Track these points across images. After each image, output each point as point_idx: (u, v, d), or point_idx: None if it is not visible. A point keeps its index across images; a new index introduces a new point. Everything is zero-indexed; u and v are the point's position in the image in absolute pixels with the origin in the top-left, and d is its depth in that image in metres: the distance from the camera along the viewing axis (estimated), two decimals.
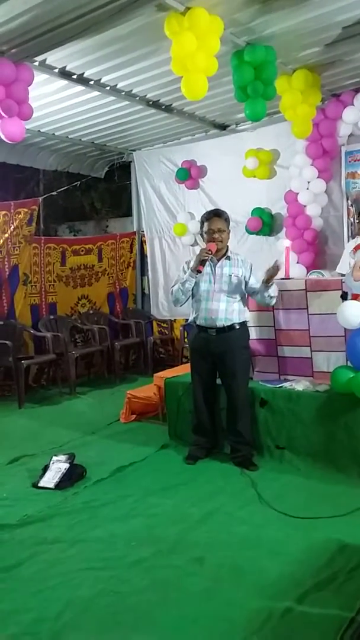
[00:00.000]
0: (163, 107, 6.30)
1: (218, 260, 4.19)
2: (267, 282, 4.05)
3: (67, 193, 9.80)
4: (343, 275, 4.45)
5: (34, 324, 7.15)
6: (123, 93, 5.81)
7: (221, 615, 2.41)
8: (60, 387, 6.86)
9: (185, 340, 7.18)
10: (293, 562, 2.80)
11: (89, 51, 4.73)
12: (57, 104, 5.99)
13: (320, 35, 4.63)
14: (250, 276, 4.19)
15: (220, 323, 4.11)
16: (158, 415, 5.34)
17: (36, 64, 4.85)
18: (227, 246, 4.26)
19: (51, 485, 3.87)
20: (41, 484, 3.91)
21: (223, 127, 7.20)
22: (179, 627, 2.34)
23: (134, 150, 8.24)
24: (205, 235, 4.22)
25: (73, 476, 3.97)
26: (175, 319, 8.05)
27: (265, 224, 6.73)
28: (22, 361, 6.36)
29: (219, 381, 4.33)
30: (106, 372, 7.52)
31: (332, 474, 3.87)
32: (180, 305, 4.39)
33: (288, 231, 6.37)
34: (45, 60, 4.88)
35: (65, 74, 5.20)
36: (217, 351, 4.16)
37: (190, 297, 4.27)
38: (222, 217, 4.21)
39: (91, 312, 7.97)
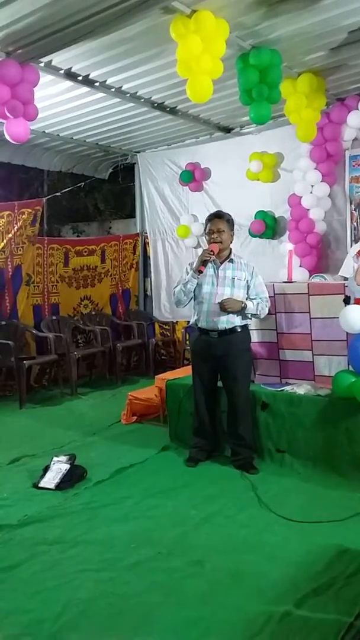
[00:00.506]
0: (168, 109, 6.31)
1: (221, 263, 4.19)
2: (235, 311, 4.08)
3: (71, 194, 9.84)
4: (346, 278, 4.45)
5: (37, 324, 7.16)
6: (128, 95, 5.82)
7: (220, 618, 2.41)
8: (62, 388, 6.86)
9: (187, 342, 7.18)
10: (292, 566, 2.80)
11: (95, 53, 4.74)
12: (62, 105, 6.01)
13: (325, 40, 4.64)
14: (251, 280, 4.19)
15: (221, 326, 4.11)
16: (159, 417, 5.34)
17: (42, 65, 4.86)
18: (231, 249, 4.27)
19: (51, 486, 3.87)
20: (41, 484, 3.92)
21: (227, 130, 7.21)
22: (177, 630, 2.34)
23: (138, 152, 8.25)
24: (207, 237, 4.25)
25: (73, 477, 3.97)
26: (177, 321, 8.06)
27: (269, 227, 6.73)
28: (24, 361, 6.36)
29: (220, 384, 4.33)
30: (108, 374, 7.53)
31: (332, 478, 3.87)
32: (183, 307, 4.39)
33: (291, 234, 6.37)
34: (51, 61, 4.89)
35: (70, 75, 5.21)
36: (218, 354, 4.16)
37: (193, 299, 4.27)
38: (224, 218, 4.22)
39: (93, 313, 7.98)
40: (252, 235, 6.82)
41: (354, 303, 3.88)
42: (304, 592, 2.54)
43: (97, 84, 5.47)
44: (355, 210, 6.21)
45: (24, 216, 6.93)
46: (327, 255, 6.41)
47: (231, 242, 4.27)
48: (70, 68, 5.10)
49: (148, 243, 8.46)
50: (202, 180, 7.53)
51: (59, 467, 4.01)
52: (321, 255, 6.35)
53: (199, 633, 2.32)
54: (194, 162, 7.54)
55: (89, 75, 5.28)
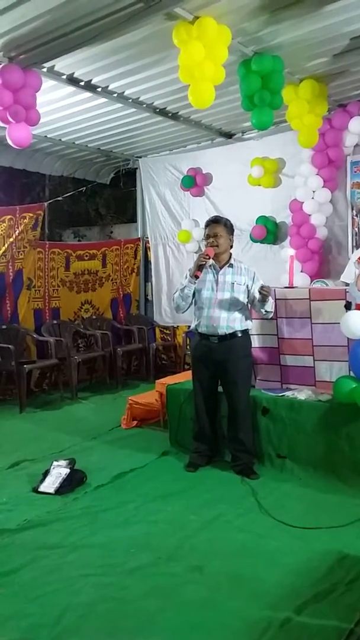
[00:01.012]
0: (170, 114, 6.33)
1: (221, 268, 4.20)
2: (263, 300, 4.07)
3: (73, 198, 9.85)
4: (347, 284, 4.46)
5: (37, 328, 7.16)
6: (130, 100, 5.84)
7: (220, 623, 2.40)
8: (62, 392, 6.86)
9: (188, 347, 7.17)
10: (292, 572, 2.80)
11: (97, 58, 4.76)
12: (64, 110, 6.02)
13: (327, 46, 4.65)
14: (253, 285, 4.19)
15: (222, 331, 4.11)
16: (159, 421, 5.33)
17: (44, 70, 4.88)
18: (231, 254, 4.27)
19: (51, 490, 3.87)
20: (41, 488, 3.91)
21: (229, 136, 7.22)
22: (177, 635, 2.33)
23: (139, 157, 8.27)
24: (204, 242, 4.26)
25: (73, 481, 3.97)
26: (178, 326, 8.06)
27: (270, 232, 6.74)
28: (24, 365, 6.36)
29: (220, 389, 4.33)
30: (108, 378, 7.52)
31: (333, 484, 3.86)
32: (183, 312, 4.39)
33: (292, 240, 6.37)
34: (53, 66, 4.90)
35: (73, 80, 5.22)
36: (218, 359, 4.16)
37: (193, 304, 4.27)
38: (220, 223, 4.23)
39: (94, 317, 7.98)
40: (254, 240, 6.82)
41: (355, 308, 3.88)
42: (304, 598, 2.53)
43: (99, 89, 5.48)
44: (356, 215, 6.22)
45: (25, 220, 6.94)
46: (328, 261, 6.41)
47: (231, 247, 4.28)
48: (73, 73, 5.11)
49: (149, 248, 8.47)
50: (203, 185, 7.54)
51: (58, 471, 4.01)
52: (322, 260, 6.36)
53: (198, 638, 2.32)
54: (196, 168, 7.56)
55: (91, 80, 5.30)
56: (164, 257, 8.23)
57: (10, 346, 6.36)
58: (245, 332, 4.23)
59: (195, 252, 7.64)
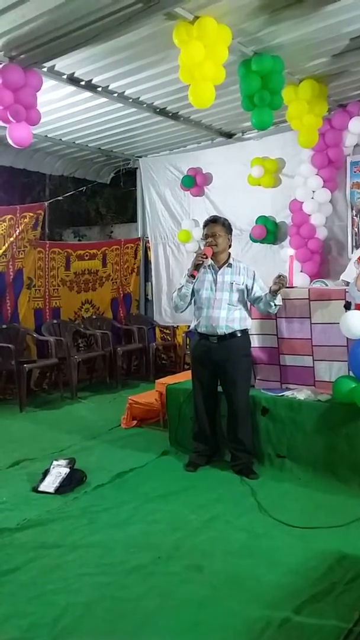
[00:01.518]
0: (170, 114, 6.33)
1: (219, 268, 4.20)
2: (276, 292, 4.05)
3: (73, 198, 9.85)
4: (348, 283, 4.46)
5: (37, 328, 7.17)
6: (130, 100, 5.84)
7: (219, 623, 2.41)
8: (62, 392, 6.87)
9: (188, 347, 7.18)
10: (291, 572, 2.80)
11: (98, 58, 4.76)
12: (64, 109, 6.02)
13: (327, 46, 4.66)
14: (253, 284, 4.20)
15: (221, 331, 4.12)
16: (159, 421, 5.34)
17: (45, 69, 4.88)
18: (229, 253, 4.28)
19: (51, 490, 3.87)
20: (41, 488, 3.92)
21: (229, 136, 7.23)
22: (176, 634, 2.34)
23: (140, 157, 8.27)
24: (203, 241, 4.27)
25: (73, 481, 3.97)
26: (177, 326, 8.06)
27: (270, 232, 6.74)
28: (24, 365, 6.37)
29: (220, 389, 4.33)
30: (108, 378, 7.52)
31: (332, 483, 3.87)
32: (182, 312, 4.40)
33: (292, 240, 6.38)
34: (54, 66, 4.91)
35: (73, 80, 5.23)
36: (218, 359, 4.16)
37: (192, 304, 4.28)
38: (219, 222, 4.24)
39: (94, 317, 7.99)
40: (253, 240, 6.83)
41: (355, 308, 3.88)
42: (303, 598, 2.54)
43: (99, 89, 5.49)
44: (356, 216, 6.22)
45: (25, 220, 6.95)
46: (328, 261, 6.42)
47: (229, 247, 4.28)
48: (73, 73, 5.12)
49: (149, 247, 8.47)
50: (203, 185, 7.55)
51: (58, 471, 4.01)
52: (322, 260, 6.36)
53: (198, 638, 2.32)
54: (196, 167, 7.56)
55: (91, 80, 5.30)
56: (164, 257, 8.24)
57: (10, 345, 6.36)
58: (245, 332, 4.24)
59: (195, 252, 7.62)
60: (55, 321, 7.41)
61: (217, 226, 4.20)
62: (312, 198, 6.23)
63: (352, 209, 6.25)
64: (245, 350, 4.25)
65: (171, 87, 5.41)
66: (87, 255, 8.00)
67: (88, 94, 5.52)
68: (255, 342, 4.52)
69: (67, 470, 4.01)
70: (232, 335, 4.14)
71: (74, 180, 9.13)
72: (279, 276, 4.03)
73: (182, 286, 4.16)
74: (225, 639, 2.30)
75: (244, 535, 3.23)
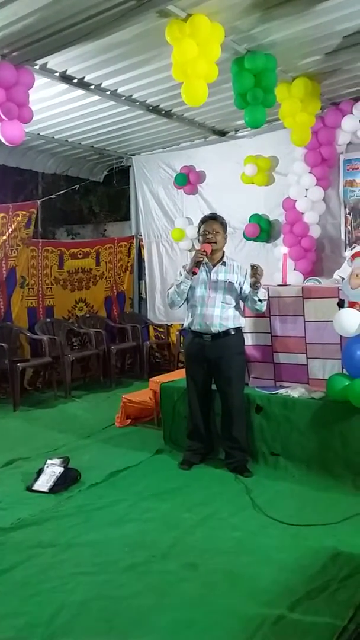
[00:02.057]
0: (163, 112, 6.32)
1: (214, 266, 4.20)
2: (255, 284, 4.03)
3: (66, 196, 9.82)
4: (343, 278, 4.45)
5: (31, 326, 7.14)
6: (123, 98, 5.82)
7: (214, 620, 2.41)
8: (56, 391, 6.85)
9: (182, 345, 7.18)
10: (286, 569, 2.81)
11: (90, 56, 4.74)
12: (57, 107, 6.00)
13: (320, 44, 4.66)
14: (244, 282, 4.20)
15: (215, 329, 4.12)
16: (153, 419, 5.33)
17: (37, 67, 4.86)
18: (224, 252, 4.28)
19: (45, 489, 3.86)
20: (35, 487, 3.91)
21: (222, 134, 7.23)
22: (172, 632, 2.34)
23: (133, 155, 8.26)
24: (200, 238, 4.26)
25: (67, 480, 3.97)
26: (171, 324, 8.06)
27: (263, 230, 6.75)
28: (18, 364, 6.35)
29: (214, 387, 4.33)
30: (102, 376, 7.51)
31: (326, 481, 3.88)
32: (177, 308, 4.40)
33: (285, 238, 6.39)
34: (46, 64, 4.89)
35: (65, 78, 5.21)
36: (212, 357, 4.17)
37: (186, 302, 4.27)
38: (218, 220, 4.24)
39: (88, 315, 7.97)
40: (247, 238, 6.83)
41: (348, 306, 3.89)
42: (297, 595, 2.55)
43: (92, 86, 5.47)
44: (349, 213, 6.24)
45: (18, 218, 6.92)
46: (321, 259, 6.43)
47: (225, 245, 4.28)
48: (66, 71, 5.10)
49: (143, 246, 8.46)
50: (196, 183, 7.54)
51: (52, 470, 4.01)
52: (315, 258, 6.37)
53: (193, 636, 2.32)
54: (189, 165, 7.56)
55: (84, 78, 5.28)
56: (157, 255, 8.22)
57: (3, 344, 6.34)
58: (239, 330, 4.24)
59: (189, 250, 7.65)
60: (48, 320, 7.39)
61: (216, 223, 4.20)
62: (306, 196, 6.24)
63: (345, 207, 6.27)
64: (239, 348, 4.26)
65: (164, 84, 5.40)
66: (80, 254, 7.98)
67: (81, 91, 5.51)
68: (249, 340, 4.52)
69: (61, 469, 4.01)
70: (226, 333, 4.14)
71: (67, 179, 9.11)
72: (252, 267, 4.01)
73: (181, 283, 4.15)
74: (220, 636, 2.31)
75: (238, 533, 3.23)
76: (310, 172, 6.18)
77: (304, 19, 4.18)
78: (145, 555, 2.99)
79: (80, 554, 3.04)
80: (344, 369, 4.03)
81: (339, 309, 3.92)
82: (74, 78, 5.26)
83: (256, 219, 6.78)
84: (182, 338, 7.13)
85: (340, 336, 4.02)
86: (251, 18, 4.14)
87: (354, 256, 4.28)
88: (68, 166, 8.42)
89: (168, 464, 4.41)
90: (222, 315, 4.12)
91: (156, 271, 8.25)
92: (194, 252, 4.17)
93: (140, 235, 8.50)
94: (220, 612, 2.47)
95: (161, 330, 8.30)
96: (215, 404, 4.39)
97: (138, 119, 6.52)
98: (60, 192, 9.06)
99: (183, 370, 4.68)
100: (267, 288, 4.46)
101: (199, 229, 4.30)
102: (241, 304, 4.27)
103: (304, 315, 4.35)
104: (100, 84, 5.45)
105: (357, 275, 3.85)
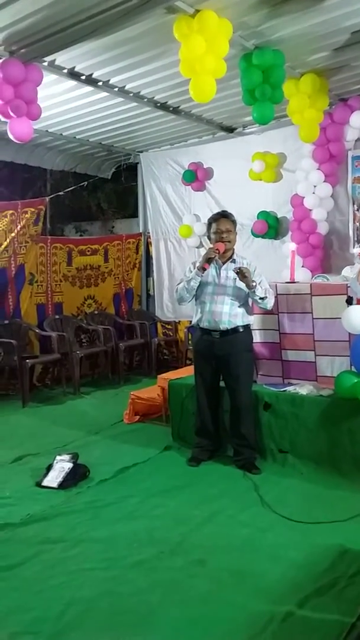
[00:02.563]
0: (171, 109, 6.31)
1: (223, 263, 4.20)
2: (248, 286, 4.04)
3: (74, 193, 9.81)
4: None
5: (40, 323, 7.17)
6: (131, 94, 5.82)
7: (222, 617, 2.42)
8: (64, 387, 6.87)
9: (190, 342, 7.18)
10: (294, 567, 2.81)
11: (98, 52, 4.75)
12: (65, 104, 6.01)
13: (328, 40, 4.64)
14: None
15: (223, 326, 4.12)
16: (161, 416, 5.34)
17: (45, 64, 4.87)
18: (234, 249, 4.27)
19: (54, 485, 3.88)
20: (44, 483, 3.93)
21: (230, 130, 7.21)
22: (179, 628, 2.35)
23: (141, 152, 8.26)
24: (213, 236, 4.24)
25: (76, 476, 3.98)
26: (179, 321, 8.07)
27: (271, 227, 6.73)
28: (27, 360, 6.37)
29: (222, 384, 4.33)
30: (110, 373, 7.53)
31: (334, 478, 3.87)
32: (186, 304, 4.43)
33: (293, 235, 6.37)
34: (54, 60, 4.90)
35: (74, 74, 5.21)
36: (220, 354, 4.17)
37: (195, 299, 4.28)
38: (230, 218, 4.23)
39: (96, 312, 7.98)
40: (255, 235, 6.82)
41: (357, 303, 3.88)
42: (306, 593, 2.54)
43: (100, 83, 5.47)
44: (357, 210, 6.22)
45: (27, 215, 6.94)
46: (329, 256, 6.41)
47: (235, 243, 4.28)
48: (74, 67, 5.10)
49: (151, 243, 8.46)
50: (204, 180, 7.53)
51: (61, 465, 4.02)
52: (324, 255, 6.35)
53: (201, 632, 2.33)
54: (197, 162, 7.55)
55: (92, 74, 5.28)
56: (165, 252, 8.23)
57: (12, 341, 6.37)
58: (247, 327, 4.24)
59: (197, 247, 7.64)
60: (57, 317, 7.42)
61: (228, 222, 4.20)
62: (314, 193, 6.22)
63: (353, 204, 6.25)
64: (247, 345, 4.26)
65: (172, 81, 5.39)
66: (89, 251, 8.00)
67: (89, 88, 5.51)
68: (257, 337, 4.51)
69: (70, 465, 4.02)
70: (235, 330, 4.14)
71: (75, 176, 9.11)
72: (236, 271, 4.00)
73: (191, 279, 4.15)
74: (229, 633, 2.31)
75: (246, 530, 3.23)
76: (318, 169, 6.15)
77: (312, 15, 4.16)
78: (154, 551, 3.00)
79: (89, 549, 3.05)
80: (352, 366, 4.02)
81: (348, 306, 3.92)
82: (82, 75, 5.27)
83: (264, 215, 6.76)
84: (190, 335, 7.13)
85: (349, 333, 4.00)
86: (259, 14, 4.13)
87: None
88: (76, 163, 8.44)
89: (176, 460, 4.42)
90: (231, 312, 4.12)
91: (164, 268, 8.26)
92: (203, 251, 4.16)
93: (148, 232, 8.50)
94: (228, 609, 2.47)
95: (169, 327, 8.31)
96: (224, 401, 4.39)
97: (146, 115, 6.52)
98: (69, 189, 9.05)
99: (191, 367, 4.69)
100: (275, 285, 4.46)
101: (209, 226, 4.29)
102: (250, 300, 4.27)
103: (312, 313, 4.34)
104: (109, 80, 5.46)
105: None
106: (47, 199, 7.81)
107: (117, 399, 6.46)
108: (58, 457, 4.12)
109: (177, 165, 7.83)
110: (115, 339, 7.52)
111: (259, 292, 4.08)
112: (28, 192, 10.13)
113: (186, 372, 5.13)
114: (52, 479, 3.93)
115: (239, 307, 4.16)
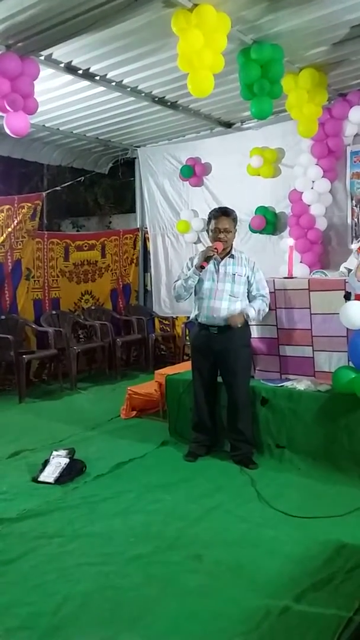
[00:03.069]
0: (168, 103, 6.29)
1: (222, 259, 4.19)
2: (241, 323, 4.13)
3: (71, 188, 9.81)
4: (350, 269, 4.44)
5: (37, 318, 7.16)
6: (129, 89, 5.80)
7: (219, 612, 2.42)
8: (61, 383, 6.86)
9: (187, 337, 7.17)
10: (291, 561, 2.81)
11: (95, 46, 4.72)
12: (62, 98, 5.98)
13: (327, 35, 4.62)
14: (252, 276, 4.20)
15: (222, 322, 4.11)
16: (158, 412, 5.34)
17: (42, 58, 4.84)
18: (232, 244, 4.26)
19: (51, 480, 3.88)
20: (41, 478, 3.92)
21: (228, 125, 7.19)
22: (176, 623, 2.35)
23: (138, 147, 8.23)
24: (211, 233, 4.22)
25: (73, 471, 3.98)
26: (177, 316, 8.06)
27: (269, 222, 6.72)
28: (24, 356, 6.36)
29: (220, 379, 4.33)
30: (107, 368, 7.52)
31: (331, 474, 3.87)
32: (183, 301, 4.40)
33: (292, 230, 6.36)
34: (51, 54, 4.87)
35: (71, 68, 5.18)
36: (218, 349, 4.16)
37: (193, 295, 4.27)
38: (230, 216, 4.20)
39: (94, 308, 7.97)
40: (253, 230, 6.80)
41: (355, 299, 3.87)
42: (303, 587, 2.55)
43: (97, 77, 5.44)
44: (356, 206, 6.20)
45: (23, 210, 6.91)
46: (327, 251, 6.40)
47: (234, 239, 4.27)
48: (71, 61, 5.08)
49: (148, 238, 8.44)
50: (202, 175, 7.51)
51: (58, 461, 4.02)
52: (322, 251, 6.34)
53: (198, 627, 2.33)
54: (195, 157, 7.52)
55: (89, 68, 5.26)
56: (162, 248, 8.20)
57: (9, 336, 6.35)
58: (245, 323, 4.23)
59: (195, 243, 7.63)
60: (54, 312, 7.40)
61: (227, 220, 4.17)
62: (312, 188, 6.21)
63: (352, 199, 6.23)
64: (245, 341, 4.25)
65: (170, 75, 5.36)
66: (86, 246, 7.98)
67: (86, 82, 5.48)
68: (255, 332, 4.51)
69: (66, 460, 4.02)
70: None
71: (72, 171, 9.09)
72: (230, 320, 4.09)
73: (189, 277, 4.14)
74: (225, 627, 2.31)
75: (243, 525, 3.23)
76: (316, 164, 6.14)
77: (311, 9, 4.14)
78: (151, 546, 3.00)
79: (86, 544, 3.05)
80: (350, 362, 4.01)
81: (346, 302, 3.91)
82: (79, 69, 5.24)
83: (262, 211, 6.75)
84: (187, 330, 7.13)
85: (347, 329, 4.00)
86: (258, 8, 4.10)
87: None
88: (73, 158, 8.40)
89: (173, 455, 4.42)
90: (229, 308, 4.11)
91: (161, 263, 8.24)
92: (200, 247, 4.15)
93: (146, 228, 8.47)
94: (225, 603, 2.47)
95: (166, 322, 8.30)
96: (221, 396, 4.39)
97: (143, 110, 6.49)
98: (66, 184, 9.04)
99: (188, 363, 4.69)
100: (273, 281, 4.46)
101: (209, 223, 4.27)
102: (248, 296, 4.26)
103: (310, 308, 4.34)
104: (106, 74, 5.43)
105: None
106: (44, 194, 7.80)
107: (114, 394, 6.45)
108: (55, 453, 4.12)
109: (175, 160, 7.80)
110: (112, 335, 7.50)
111: (253, 317, 4.17)
112: (25, 187, 10.12)
113: (183, 368, 5.12)
114: (49, 474, 3.93)
115: (238, 302, 4.15)
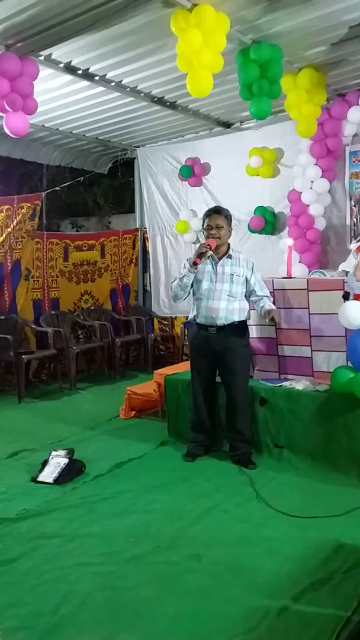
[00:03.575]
0: (168, 103, 6.29)
1: (219, 259, 4.19)
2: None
3: (70, 188, 9.81)
4: (347, 272, 4.45)
5: (36, 319, 7.16)
6: (128, 89, 5.80)
7: (218, 611, 2.42)
8: (61, 383, 6.87)
9: (186, 337, 7.18)
10: (290, 561, 2.81)
11: (95, 46, 4.72)
12: (61, 99, 5.98)
13: (326, 35, 4.62)
14: (251, 276, 4.20)
15: (220, 322, 4.11)
16: (157, 412, 5.34)
17: (41, 58, 4.84)
18: (229, 244, 4.27)
19: (50, 480, 3.88)
20: (40, 478, 3.92)
21: (227, 125, 7.19)
22: (175, 623, 2.35)
23: (137, 147, 8.23)
24: (205, 232, 4.24)
25: (72, 471, 3.98)
26: (176, 316, 8.06)
27: (268, 222, 6.72)
28: (23, 356, 6.36)
29: (218, 379, 4.33)
30: (106, 368, 7.52)
31: (330, 473, 3.88)
32: (181, 301, 4.40)
33: (291, 230, 6.36)
34: (50, 54, 4.87)
35: (70, 69, 5.18)
36: (217, 349, 4.16)
37: (191, 295, 4.27)
38: (222, 214, 4.21)
39: (93, 308, 7.97)
40: (252, 230, 6.81)
41: (353, 299, 3.88)
42: (301, 587, 2.55)
43: (96, 77, 5.44)
44: (355, 206, 6.20)
45: (23, 210, 6.91)
46: (326, 251, 6.40)
47: (229, 238, 4.27)
48: (70, 62, 5.08)
49: (147, 238, 8.44)
50: (201, 175, 7.51)
51: (57, 461, 4.02)
52: (321, 251, 6.34)
53: (196, 626, 2.33)
54: (194, 157, 7.52)
55: (88, 69, 5.26)
56: (162, 248, 8.20)
57: (8, 336, 6.35)
58: (244, 323, 4.23)
59: (194, 243, 7.63)
60: (53, 312, 7.40)
61: (220, 218, 4.18)
62: (311, 188, 6.21)
63: (350, 199, 6.23)
64: (244, 341, 4.25)
65: (169, 75, 5.36)
66: (85, 246, 7.98)
67: (85, 82, 5.48)
68: (253, 332, 4.51)
69: (66, 460, 4.02)
70: (231, 325, 4.13)
71: (72, 171, 9.08)
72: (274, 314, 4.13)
73: (184, 276, 4.14)
74: (224, 627, 2.31)
75: (242, 525, 3.24)
76: (315, 164, 6.14)
77: (310, 9, 4.15)
78: (150, 546, 3.00)
79: (85, 544, 3.05)
80: (348, 362, 4.02)
81: (344, 302, 3.92)
82: (79, 69, 5.24)
83: (261, 211, 6.75)
84: (186, 331, 7.13)
85: (345, 328, 4.00)
86: (257, 8, 4.11)
87: (359, 248, 4.27)
88: (72, 158, 8.40)
89: (172, 455, 4.42)
90: (227, 308, 4.12)
91: (161, 264, 8.24)
92: (198, 245, 4.16)
93: (145, 228, 8.47)
94: (223, 603, 2.47)
95: (166, 322, 8.30)
96: (220, 396, 4.39)
97: (143, 110, 6.49)
98: (65, 184, 9.03)
99: (187, 363, 4.69)
100: (272, 281, 4.47)
101: (203, 222, 4.28)
102: (246, 296, 4.26)
103: (308, 308, 4.34)
104: (105, 75, 5.43)
105: None
106: (44, 194, 7.80)
107: (113, 394, 6.45)
108: (54, 453, 4.12)
109: (174, 160, 7.80)
110: (111, 335, 7.51)
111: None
112: (24, 187, 10.11)
113: (182, 368, 5.13)
114: (48, 475, 3.93)
115: (236, 302, 4.15)
